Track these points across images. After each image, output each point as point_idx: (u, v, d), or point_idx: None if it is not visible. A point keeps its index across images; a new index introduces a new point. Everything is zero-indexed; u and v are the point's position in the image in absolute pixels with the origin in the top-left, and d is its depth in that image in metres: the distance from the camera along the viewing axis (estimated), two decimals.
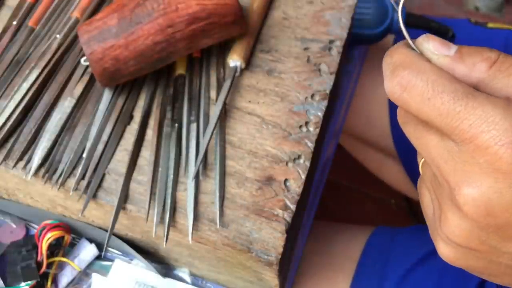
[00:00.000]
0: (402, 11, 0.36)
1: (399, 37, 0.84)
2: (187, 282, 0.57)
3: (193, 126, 0.53)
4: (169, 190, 0.50)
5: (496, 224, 0.31)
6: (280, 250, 0.48)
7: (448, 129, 0.31)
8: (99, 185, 0.50)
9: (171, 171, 0.50)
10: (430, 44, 0.34)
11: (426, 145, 0.34)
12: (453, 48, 0.34)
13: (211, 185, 0.50)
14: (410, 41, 0.35)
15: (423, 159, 0.37)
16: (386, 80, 0.34)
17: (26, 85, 0.54)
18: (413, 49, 0.35)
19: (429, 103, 0.32)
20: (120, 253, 0.58)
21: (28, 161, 0.51)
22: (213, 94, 0.55)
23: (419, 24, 0.78)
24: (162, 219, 0.49)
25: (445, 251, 0.35)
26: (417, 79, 0.32)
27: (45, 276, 0.55)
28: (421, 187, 0.38)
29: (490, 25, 0.85)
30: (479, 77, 0.33)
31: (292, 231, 0.50)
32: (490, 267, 0.34)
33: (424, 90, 0.32)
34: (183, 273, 0.58)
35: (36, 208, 0.56)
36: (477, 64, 0.33)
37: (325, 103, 0.54)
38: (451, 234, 0.33)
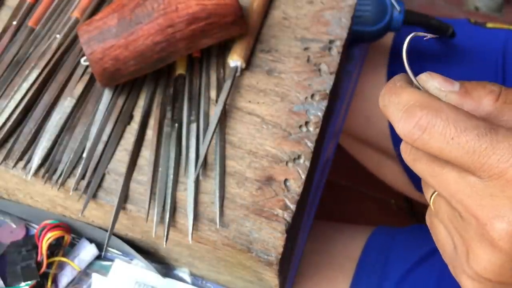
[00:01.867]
0: (404, 36, 0.36)
1: (399, 35, 0.84)
2: (187, 282, 0.57)
3: (193, 126, 0.53)
4: (169, 190, 0.50)
5: None
6: (280, 250, 0.48)
7: (475, 166, 0.31)
8: (99, 185, 0.50)
9: (171, 171, 0.50)
10: (435, 82, 0.34)
11: (445, 181, 0.33)
12: (456, 83, 0.34)
13: (211, 185, 0.50)
14: (413, 79, 0.34)
15: (434, 193, 0.37)
16: (400, 121, 0.32)
17: (26, 85, 0.54)
18: (416, 85, 0.34)
19: (453, 142, 0.31)
20: (120, 253, 0.58)
21: (28, 161, 0.51)
22: (213, 94, 0.55)
23: (419, 22, 0.78)
24: (162, 219, 0.49)
25: (473, 287, 0.35)
26: (437, 119, 0.31)
27: (45, 276, 0.55)
28: (433, 222, 0.38)
29: (489, 25, 0.85)
30: (487, 111, 0.33)
31: (292, 231, 0.50)
32: None
33: (446, 130, 0.31)
34: (183, 273, 0.58)
35: (36, 208, 0.56)
36: (483, 98, 0.33)
37: (325, 103, 0.54)
38: (483, 270, 0.33)
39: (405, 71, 0.35)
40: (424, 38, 0.36)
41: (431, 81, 0.34)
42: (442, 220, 0.36)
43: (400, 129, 0.33)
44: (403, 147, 0.35)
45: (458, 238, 0.35)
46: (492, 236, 0.31)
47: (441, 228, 0.37)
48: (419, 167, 0.35)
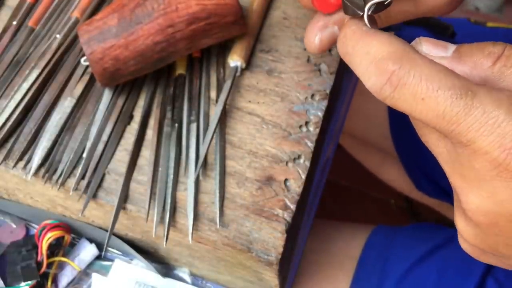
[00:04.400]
0: None
1: (399, 35, 0.84)
2: (187, 282, 0.57)
3: (193, 126, 0.53)
4: (169, 190, 0.50)
5: (501, 231, 0.29)
6: (280, 250, 0.48)
7: (445, 131, 0.28)
8: (99, 185, 0.51)
9: (171, 171, 0.51)
10: (423, 47, 0.31)
11: (428, 142, 0.31)
12: (451, 48, 0.31)
13: (211, 185, 0.50)
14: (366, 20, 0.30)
15: None
16: (370, 77, 0.29)
17: (26, 85, 0.54)
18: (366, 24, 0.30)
19: (423, 103, 0.28)
20: (120, 253, 0.58)
21: (28, 161, 0.51)
22: (213, 94, 0.55)
23: (419, 21, 0.78)
24: (162, 219, 0.49)
25: (463, 245, 0.33)
26: (410, 75, 0.28)
27: (45, 276, 0.55)
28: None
29: (489, 24, 0.85)
30: (482, 76, 0.29)
31: (292, 231, 0.50)
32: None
33: (417, 89, 0.28)
34: (183, 273, 0.58)
35: (36, 208, 0.56)
36: (479, 62, 0.29)
37: (325, 103, 0.54)
38: (462, 233, 0.32)
39: None
40: (385, 3, 0.32)
41: (419, 47, 0.31)
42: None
43: (369, 85, 0.30)
44: None
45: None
46: (465, 208, 0.30)
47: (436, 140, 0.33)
48: (413, 122, 0.32)
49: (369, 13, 0.31)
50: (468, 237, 0.31)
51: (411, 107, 0.28)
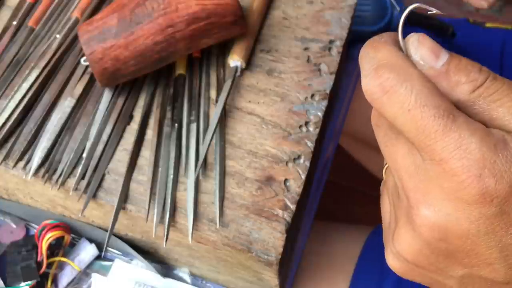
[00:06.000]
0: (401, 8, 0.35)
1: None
2: (187, 282, 0.57)
3: (193, 126, 0.53)
4: (169, 190, 0.50)
5: (447, 249, 0.31)
6: (280, 250, 0.48)
7: (420, 145, 0.30)
8: (99, 185, 0.50)
9: (171, 171, 0.50)
10: (418, 52, 0.32)
11: (394, 153, 0.33)
12: (442, 59, 0.32)
13: (211, 185, 0.50)
14: (400, 38, 0.33)
15: (387, 165, 0.36)
16: (366, 77, 0.32)
17: (26, 85, 0.54)
18: (401, 47, 0.33)
19: (408, 114, 0.30)
20: (120, 253, 0.58)
21: (28, 161, 0.51)
22: (213, 94, 0.55)
23: (420, 22, 0.78)
24: (162, 219, 0.49)
25: (393, 263, 0.35)
26: (402, 86, 0.30)
27: (45, 276, 0.55)
28: (383, 191, 0.38)
29: (488, 24, 0.85)
30: (459, 99, 0.32)
31: (292, 231, 0.50)
32: (435, 285, 0.34)
33: (406, 99, 0.30)
34: (183, 273, 0.58)
35: (36, 208, 0.56)
36: (461, 85, 0.32)
37: (325, 103, 0.54)
38: (402, 250, 0.33)
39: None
40: (428, 12, 0.35)
41: (416, 49, 0.33)
42: (388, 192, 0.36)
43: (364, 84, 0.32)
44: (373, 111, 0.35)
45: (393, 213, 0.35)
46: (415, 220, 0.31)
47: (386, 199, 0.37)
48: (378, 133, 0.35)
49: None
50: (410, 252, 0.33)
51: (396, 114, 0.31)
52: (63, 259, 0.56)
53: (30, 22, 0.58)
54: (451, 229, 0.30)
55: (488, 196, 0.29)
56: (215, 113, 0.52)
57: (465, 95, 0.32)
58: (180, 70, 0.55)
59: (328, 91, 0.54)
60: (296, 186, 0.50)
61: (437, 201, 0.30)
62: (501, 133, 0.30)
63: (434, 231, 0.31)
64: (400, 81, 0.31)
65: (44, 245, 0.54)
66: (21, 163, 0.51)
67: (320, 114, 0.53)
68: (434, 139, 0.29)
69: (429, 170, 0.30)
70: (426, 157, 0.30)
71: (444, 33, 0.79)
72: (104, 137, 0.52)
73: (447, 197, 0.30)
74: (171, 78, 0.56)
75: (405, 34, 0.35)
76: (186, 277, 0.58)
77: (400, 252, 0.33)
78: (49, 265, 0.55)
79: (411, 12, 0.33)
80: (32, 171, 0.50)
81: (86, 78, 0.55)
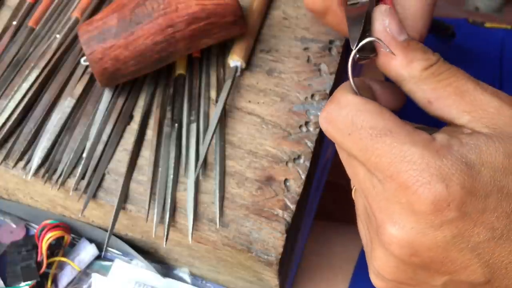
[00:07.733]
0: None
1: None
2: (187, 282, 0.57)
3: (193, 126, 0.53)
4: (169, 190, 0.50)
5: (422, 261, 0.31)
6: (280, 250, 0.48)
7: (368, 164, 0.31)
8: (99, 185, 0.51)
9: (171, 171, 0.50)
10: (387, 20, 0.35)
11: (356, 176, 0.34)
12: (403, 35, 0.34)
13: (211, 185, 0.50)
14: (352, 83, 0.35)
15: (354, 187, 0.37)
16: (321, 115, 0.35)
17: (26, 85, 0.54)
18: (355, 91, 0.35)
19: (349, 138, 0.32)
20: (120, 253, 0.58)
21: (28, 161, 0.51)
22: (213, 94, 0.55)
23: None
24: (162, 219, 0.49)
25: (377, 282, 0.35)
26: (339, 113, 0.33)
27: (45, 276, 0.55)
28: (357, 214, 0.38)
29: (488, 24, 0.85)
30: (410, 74, 0.33)
31: (292, 231, 0.50)
32: None
33: (345, 125, 0.32)
34: (183, 273, 0.58)
35: (36, 208, 0.56)
36: (416, 61, 0.33)
37: (325, 103, 0.54)
38: (380, 269, 0.33)
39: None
40: (371, 56, 0.37)
41: (385, 16, 0.35)
42: (358, 213, 0.37)
43: (319, 120, 0.35)
44: None
45: (368, 234, 0.35)
46: (384, 240, 0.31)
47: (359, 221, 0.38)
48: (341, 156, 0.36)
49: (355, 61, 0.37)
50: (388, 272, 0.33)
51: (341, 140, 0.33)
52: (63, 259, 0.56)
53: (30, 22, 0.58)
54: (418, 243, 0.30)
55: (444, 202, 0.29)
56: (215, 113, 0.52)
57: (418, 71, 0.33)
58: (180, 70, 0.56)
59: (328, 91, 0.54)
60: (296, 186, 0.50)
61: (400, 217, 0.30)
62: (445, 138, 0.31)
63: (403, 247, 0.31)
64: (338, 110, 0.33)
65: (44, 245, 0.54)
66: (21, 163, 0.51)
67: (320, 114, 0.53)
68: (378, 156, 0.31)
69: (386, 189, 0.31)
70: (379, 175, 0.31)
71: (444, 33, 0.79)
72: (104, 137, 0.52)
73: (406, 211, 0.30)
74: (171, 78, 0.56)
75: None
76: (186, 277, 0.58)
77: (380, 271, 0.34)
78: (49, 265, 0.55)
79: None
80: (32, 171, 0.50)
81: (86, 78, 0.55)
